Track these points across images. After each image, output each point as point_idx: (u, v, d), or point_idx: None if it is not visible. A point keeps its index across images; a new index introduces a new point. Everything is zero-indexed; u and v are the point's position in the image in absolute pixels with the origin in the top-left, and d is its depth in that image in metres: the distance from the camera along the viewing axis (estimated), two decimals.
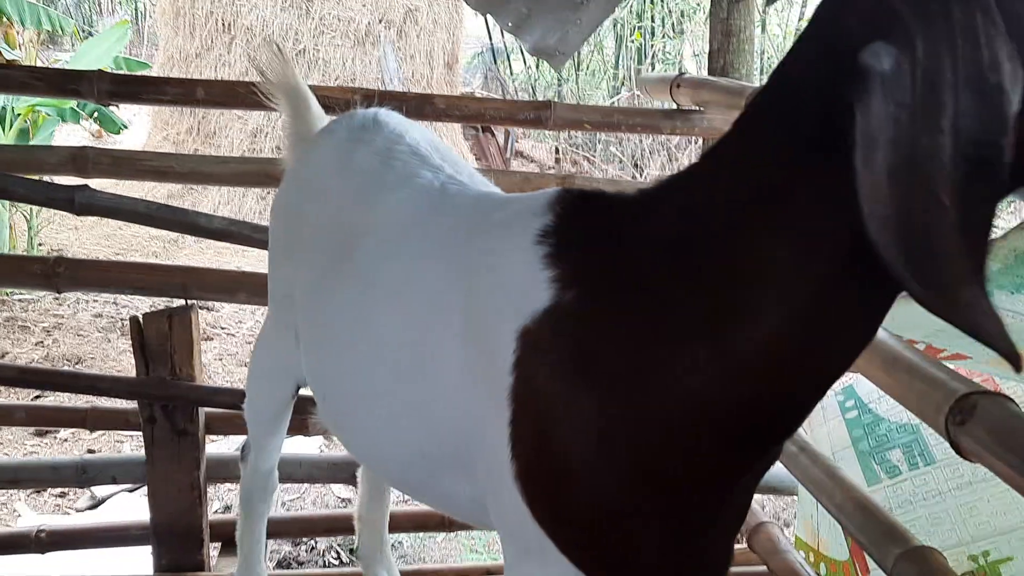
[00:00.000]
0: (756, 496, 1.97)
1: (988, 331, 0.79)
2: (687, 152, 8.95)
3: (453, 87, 9.32)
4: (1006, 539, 1.77)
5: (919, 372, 1.31)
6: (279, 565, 3.05)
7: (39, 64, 7.30)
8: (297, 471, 2.57)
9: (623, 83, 10.25)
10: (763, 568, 2.29)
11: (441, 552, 3.26)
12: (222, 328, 5.56)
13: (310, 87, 2.01)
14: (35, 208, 5.95)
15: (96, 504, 3.51)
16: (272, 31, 8.22)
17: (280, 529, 2.68)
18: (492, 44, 11.58)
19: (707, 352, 1.00)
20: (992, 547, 1.78)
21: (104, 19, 14.54)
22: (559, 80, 10.68)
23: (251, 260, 6.45)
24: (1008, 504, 1.77)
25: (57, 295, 5.46)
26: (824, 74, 0.87)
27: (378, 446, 1.46)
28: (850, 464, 2.05)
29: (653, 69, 9.82)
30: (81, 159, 2.40)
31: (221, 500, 3.54)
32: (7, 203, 5.77)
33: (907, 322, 1.31)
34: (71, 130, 8.84)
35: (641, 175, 9.26)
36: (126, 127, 6.78)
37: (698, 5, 9.77)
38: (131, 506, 3.39)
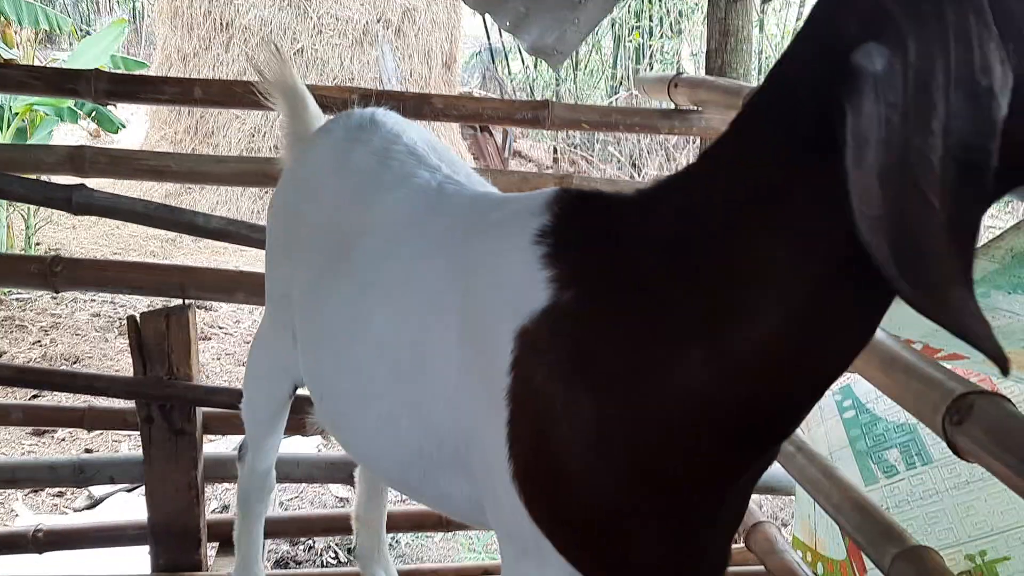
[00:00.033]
0: (753, 495, 1.97)
1: (976, 332, 0.79)
2: (685, 152, 8.96)
3: (451, 87, 9.32)
4: (1003, 538, 1.77)
5: (916, 372, 1.32)
6: (277, 565, 3.04)
7: (37, 63, 7.29)
8: (295, 471, 2.57)
9: (621, 83, 10.25)
10: (760, 568, 2.29)
11: (439, 552, 3.26)
12: (220, 327, 5.56)
13: (308, 86, 2.01)
14: (32, 207, 5.95)
15: (94, 504, 3.50)
16: (270, 30, 8.22)
17: (278, 529, 2.68)
18: (490, 44, 11.57)
19: (705, 352, 1.00)
20: (989, 546, 1.78)
21: (102, 18, 14.52)
22: (557, 80, 10.68)
23: (249, 259, 6.45)
24: (1005, 503, 1.77)
25: (55, 294, 5.44)
26: (819, 74, 0.87)
27: (376, 446, 1.46)
28: (847, 464, 2.05)
29: (651, 69, 9.82)
30: (79, 158, 2.40)
31: (219, 500, 3.54)
32: (4, 202, 5.77)
33: (904, 322, 1.31)
34: (68, 129, 8.83)
35: (639, 175, 9.27)
36: (124, 126, 6.78)
37: (696, 5, 9.78)
38: (129, 506, 3.39)
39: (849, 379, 2.10)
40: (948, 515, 1.85)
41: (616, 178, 8.24)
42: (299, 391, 1.89)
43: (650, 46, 10.00)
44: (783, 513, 3.66)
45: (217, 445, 3.67)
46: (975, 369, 1.63)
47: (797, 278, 0.94)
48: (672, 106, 2.61)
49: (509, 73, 11.79)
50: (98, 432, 4.00)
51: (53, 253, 2.30)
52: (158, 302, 2.46)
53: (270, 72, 1.91)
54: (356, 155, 1.63)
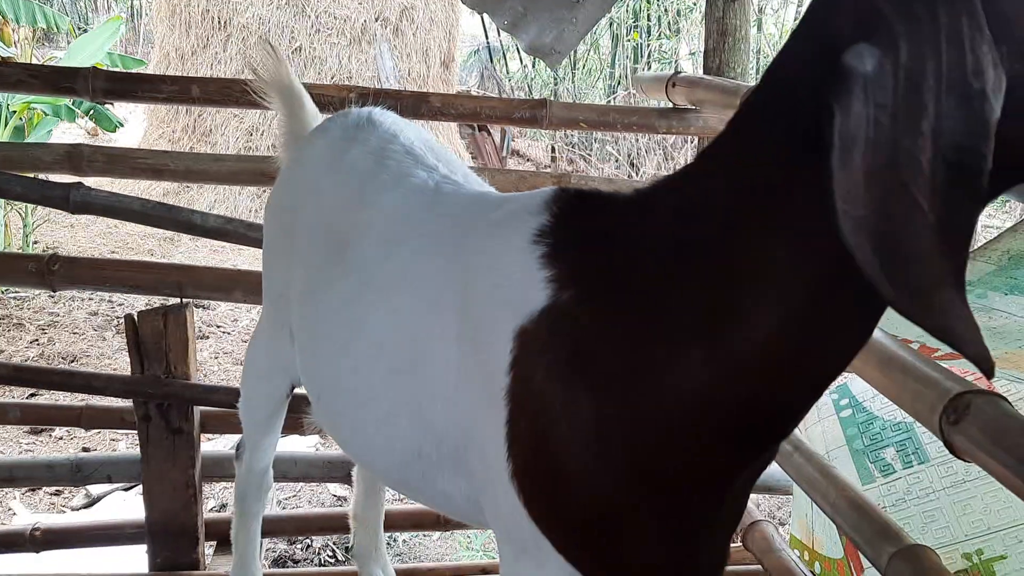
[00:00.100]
0: (751, 495, 1.97)
1: (960, 335, 0.79)
2: (683, 151, 8.96)
3: (449, 86, 9.31)
4: (999, 537, 1.77)
5: (913, 371, 1.32)
6: (275, 563, 3.04)
7: (34, 62, 7.28)
8: (292, 469, 2.58)
9: (619, 82, 10.24)
10: (758, 567, 2.29)
11: (437, 550, 3.26)
12: (217, 326, 5.55)
13: (305, 85, 2.01)
14: (30, 206, 5.94)
15: (91, 503, 3.50)
16: (268, 29, 8.21)
17: (275, 527, 2.68)
18: (488, 43, 11.57)
19: (704, 352, 1.01)
20: (986, 545, 1.79)
21: (100, 16, 14.49)
22: (555, 79, 10.67)
23: (247, 258, 6.45)
24: (1002, 502, 1.78)
25: (52, 293, 5.44)
26: (815, 74, 0.87)
27: (374, 445, 1.46)
28: (844, 463, 2.06)
29: (649, 68, 9.82)
30: (76, 157, 2.40)
31: (216, 498, 3.54)
32: (2, 201, 5.76)
33: (901, 321, 1.31)
34: (66, 128, 8.82)
35: (637, 174, 9.26)
36: (121, 125, 6.77)
37: (694, 4, 9.77)
38: (126, 505, 3.39)
39: (846, 377, 2.11)
40: (945, 514, 1.86)
41: (614, 177, 8.24)
42: (297, 390, 1.89)
43: (648, 45, 10.00)
44: (780, 512, 3.67)
45: (215, 444, 3.67)
46: (972, 368, 1.63)
47: (797, 278, 0.94)
48: (670, 105, 2.61)
49: (507, 72, 11.79)
50: (96, 431, 4.00)
51: (51, 252, 2.30)
52: (156, 301, 2.46)
53: (266, 71, 1.91)
54: (353, 154, 1.63)
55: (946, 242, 0.78)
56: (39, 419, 2.89)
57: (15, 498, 3.50)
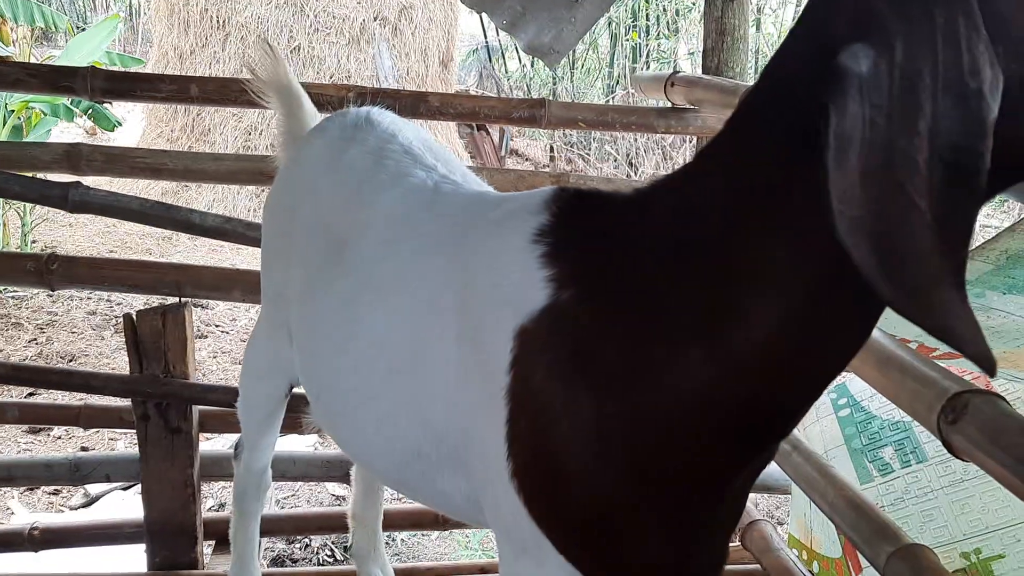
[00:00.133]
0: (749, 494, 1.97)
1: (961, 335, 0.78)
2: (681, 151, 8.95)
3: (448, 85, 9.31)
4: (998, 536, 1.78)
5: (912, 371, 1.32)
6: (273, 563, 3.04)
7: (33, 61, 7.27)
8: (291, 469, 2.58)
9: (618, 82, 10.25)
10: (756, 566, 2.30)
11: (435, 550, 3.26)
12: (216, 326, 5.55)
13: (304, 84, 2.01)
14: (28, 205, 5.94)
15: (90, 502, 3.50)
16: (267, 28, 8.21)
17: (274, 527, 2.68)
18: (487, 42, 11.57)
19: (704, 352, 1.01)
20: (984, 544, 1.79)
21: (98, 15, 14.48)
22: (554, 78, 10.68)
23: (245, 257, 6.44)
24: (1000, 501, 1.78)
25: (50, 292, 5.44)
26: (812, 73, 0.87)
27: (372, 445, 1.46)
28: (843, 462, 2.06)
29: (648, 68, 9.82)
30: (75, 156, 2.40)
31: (215, 498, 3.54)
32: (0, 200, 5.76)
33: (899, 320, 1.31)
34: (64, 127, 8.81)
35: (635, 173, 9.27)
36: (120, 124, 6.76)
37: (693, 4, 9.78)
38: (125, 504, 3.38)
39: (844, 377, 2.11)
40: (943, 513, 1.86)
41: (612, 177, 8.24)
42: (295, 390, 1.89)
43: (647, 45, 10.00)
44: (779, 511, 3.67)
45: (213, 443, 3.67)
46: (970, 368, 1.63)
47: (796, 277, 0.94)
48: (668, 105, 2.61)
49: (506, 72, 11.79)
50: (94, 430, 3.99)
51: (49, 251, 2.29)
52: (154, 300, 2.46)
53: (265, 71, 1.90)
54: (351, 154, 1.63)
55: (944, 241, 0.78)
56: (37, 418, 2.88)
57: (13, 497, 3.50)
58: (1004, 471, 1.08)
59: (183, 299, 2.34)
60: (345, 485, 2.78)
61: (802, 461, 1.80)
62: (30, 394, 4.10)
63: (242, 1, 8.29)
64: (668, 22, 9.99)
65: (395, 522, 2.60)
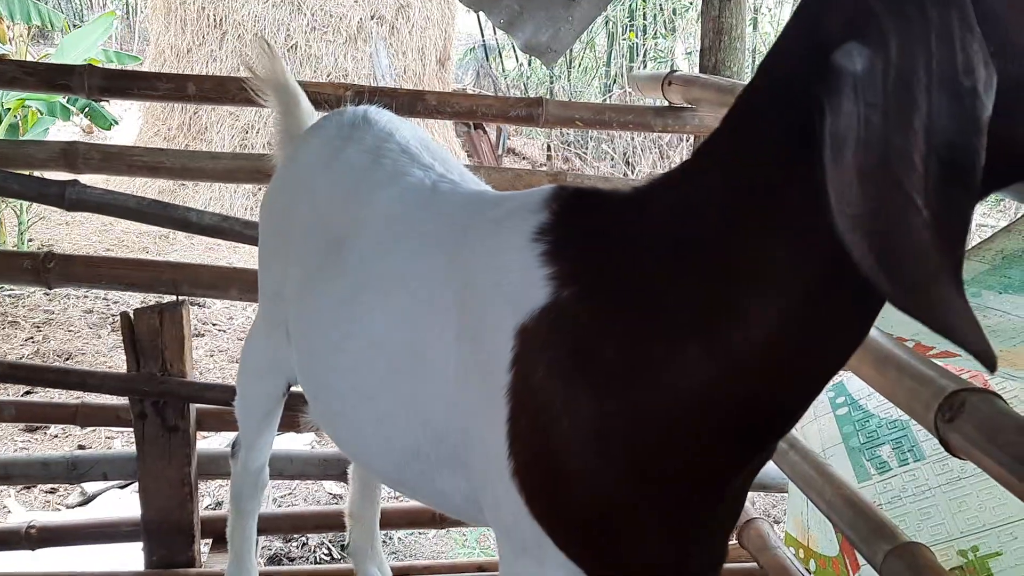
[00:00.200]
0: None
1: (961, 331, 0.79)
2: (678, 149, 8.96)
3: (445, 84, 9.31)
4: (995, 534, 1.78)
5: (909, 369, 1.32)
6: (270, 561, 3.04)
7: (29, 59, 7.26)
8: (288, 467, 2.57)
9: (615, 80, 10.25)
10: (753, 564, 2.30)
11: (432, 548, 3.26)
12: (213, 324, 5.55)
13: (301, 83, 2.01)
14: (25, 203, 5.93)
15: (87, 500, 3.50)
16: (264, 27, 8.20)
17: (271, 525, 2.68)
18: (484, 41, 11.58)
19: (703, 350, 1.01)
20: (981, 542, 1.79)
21: (95, 13, 14.45)
22: (551, 77, 10.68)
23: (242, 256, 6.44)
24: (997, 499, 1.78)
25: (47, 291, 5.44)
26: (808, 71, 0.87)
27: (371, 445, 1.46)
28: (840, 460, 2.06)
29: (645, 67, 9.82)
30: (71, 154, 2.39)
31: (212, 496, 3.54)
32: None
33: (896, 319, 1.32)
34: (61, 125, 8.80)
35: (632, 172, 9.27)
36: (117, 123, 6.76)
37: (690, 3, 9.79)
38: (122, 502, 3.38)
39: (842, 376, 2.11)
40: (940, 511, 1.86)
41: (610, 175, 8.24)
42: (293, 388, 1.89)
43: (644, 44, 10.01)
44: (776, 510, 3.68)
45: (210, 442, 3.66)
46: (967, 366, 1.64)
47: (795, 276, 0.94)
48: (666, 104, 2.61)
49: (503, 70, 11.79)
50: (91, 428, 3.99)
51: (46, 249, 2.29)
52: (151, 298, 2.46)
53: (263, 69, 1.90)
54: (349, 153, 1.63)
55: (942, 238, 0.78)
56: (34, 417, 2.88)
57: (10, 496, 3.50)
58: (1001, 469, 1.08)
59: (180, 297, 2.34)
60: (342, 483, 2.78)
61: (799, 459, 1.81)
62: (27, 392, 4.09)
63: (239, 0, 8.28)
64: (665, 21, 9.99)
65: (392, 520, 2.60)
